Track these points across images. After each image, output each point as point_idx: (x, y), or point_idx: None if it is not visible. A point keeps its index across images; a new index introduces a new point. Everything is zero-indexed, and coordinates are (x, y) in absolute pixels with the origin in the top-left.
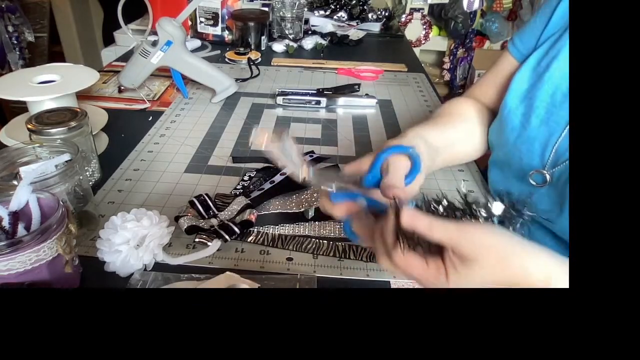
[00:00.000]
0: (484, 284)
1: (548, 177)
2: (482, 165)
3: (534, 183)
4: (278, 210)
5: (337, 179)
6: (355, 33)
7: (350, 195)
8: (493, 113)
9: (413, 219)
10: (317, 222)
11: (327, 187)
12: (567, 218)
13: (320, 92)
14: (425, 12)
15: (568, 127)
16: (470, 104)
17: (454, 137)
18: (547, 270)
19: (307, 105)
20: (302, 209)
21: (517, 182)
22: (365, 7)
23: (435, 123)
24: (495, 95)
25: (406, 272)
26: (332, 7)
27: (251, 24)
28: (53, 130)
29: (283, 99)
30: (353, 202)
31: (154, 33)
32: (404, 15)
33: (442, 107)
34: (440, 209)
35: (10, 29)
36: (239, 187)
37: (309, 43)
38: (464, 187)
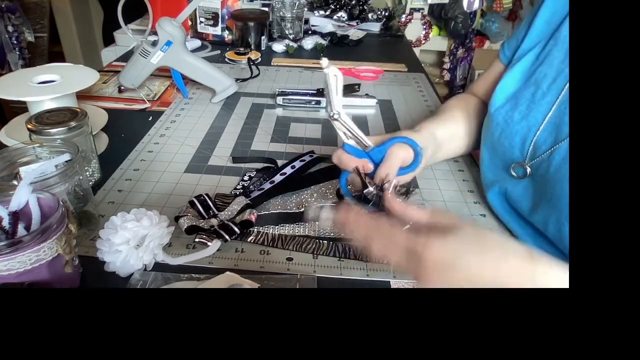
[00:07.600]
0: (462, 251)
1: (528, 169)
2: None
3: (515, 175)
4: (278, 210)
5: (355, 135)
6: (355, 33)
7: (358, 153)
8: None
9: (393, 202)
10: (317, 222)
11: (346, 131)
12: (545, 211)
13: (320, 92)
14: (425, 12)
15: (545, 121)
16: (470, 99)
17: (453, 131)
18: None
19: (307, 105)
20: (302, 209)
21: (502, 175)
22: (365, 7)
23: (440, 118)
24: (488, 95)
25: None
26: (332, 7)
27: (251, 24)
28: (53, 130)
29: (283, 99)
30: (358, 159)
31: (154, 33)
32: (404, 15)
33: (447, 102)
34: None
35: (10, 29)
36: (239, 187)
37: (309, 43)
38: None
